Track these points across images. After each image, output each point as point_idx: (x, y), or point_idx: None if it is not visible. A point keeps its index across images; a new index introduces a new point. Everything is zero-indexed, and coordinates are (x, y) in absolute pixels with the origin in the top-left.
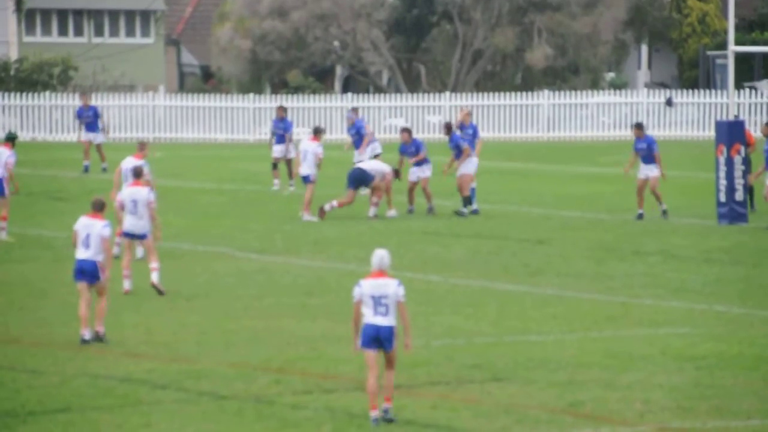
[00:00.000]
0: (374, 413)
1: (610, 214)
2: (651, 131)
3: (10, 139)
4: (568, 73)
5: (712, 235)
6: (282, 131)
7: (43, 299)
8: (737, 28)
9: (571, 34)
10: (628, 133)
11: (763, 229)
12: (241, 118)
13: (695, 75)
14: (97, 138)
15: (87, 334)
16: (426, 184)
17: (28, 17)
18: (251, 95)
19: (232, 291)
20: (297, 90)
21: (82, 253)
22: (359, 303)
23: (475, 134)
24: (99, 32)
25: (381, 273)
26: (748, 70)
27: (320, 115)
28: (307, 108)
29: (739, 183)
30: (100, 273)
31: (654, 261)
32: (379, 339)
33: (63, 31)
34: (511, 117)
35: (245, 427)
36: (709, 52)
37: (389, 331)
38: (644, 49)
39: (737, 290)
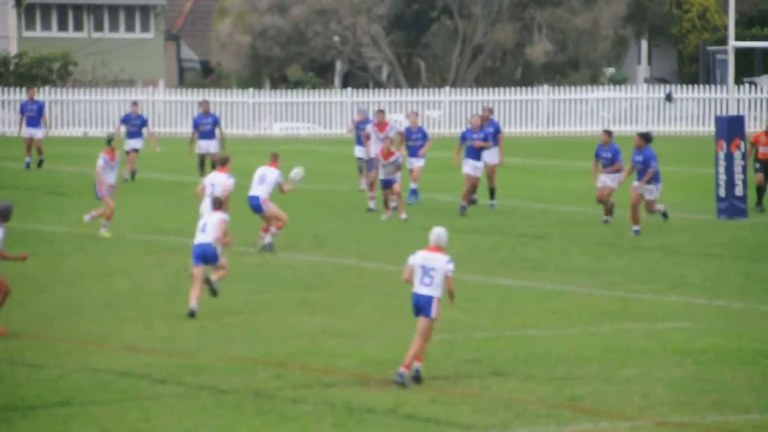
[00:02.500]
0: (401, 369)
1: None
2: (651, 126)
3: (109, 141)
4: (568, 68)
5: (711, 230)
6: (210, 127)
7: (43, 294)
8: (737, 24)
9: (571, 30)
10: (629, 128)
11: (763, 224)
12: (240, 113)
13: (695, 70)
14: (38, 134)
15: (194, 305)
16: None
17: (27, 12)
18: (251, 90)
19: (232, 285)
20: (297, 85)
21: (200, 238)
22: (411, 268)
23: (424, 137)
24: (99, 27)
25: (437, 248)
26: (748, 66)
27: (320, 110)
28: (307, 103)
29: (738, 178)
30: (218, 255)
31: (653, 256)
32: (419, 307)
33: (63, 26)
34: (511, 112)
35: (245, 422)
36: (709, 48)
37: (428, 300)
38: (644, 44)
39: (736, 285)
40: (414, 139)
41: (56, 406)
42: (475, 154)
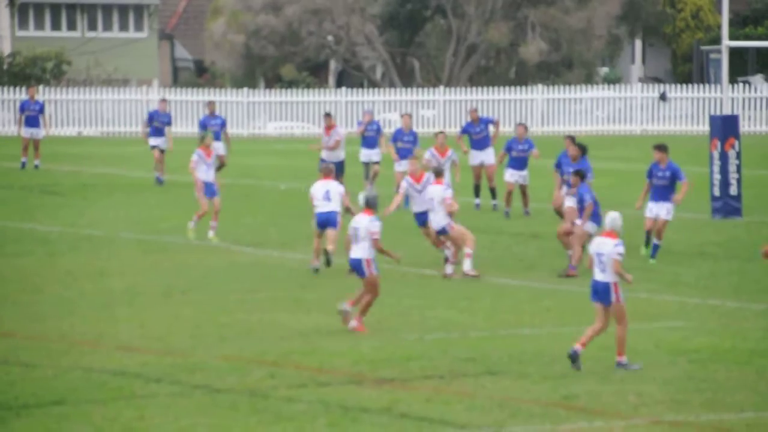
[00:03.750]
0: (576, 346)
1: (604, 208)
2: (645, 126)
3: (201, 139)
4: (561, 67)
5: (705, 229)
6: (218, 128)
7: (37, 293)
8: (731, 23)
9: (565, 29)
10: (623, 128)
11: (757, 223)
12: (234, 113)
13: (689, 69)
14: (39, 134)
15: (317, 263)
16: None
17: (21, 11)
18: (245, 90)
19: (227, 285)
20: (291, 84)
21: (324, 207)
22: (591, 255)
23: (416, 140)
24: (92, 26)
25: (610, 233)
26: (742, 65)
27: (314, 109)
28: (301, 102)
29: (733, 177)
30: (337, 221)
31: (648, 255)
32: (598, 293)
33: (56, 26)
34: (505, 111)
35: (239, 421)
36: (702, 47)
37: (605, 286)
38: (638, 43)
39: (731, 284)
40: (405, 141)
41: (51, 405)
42: (515, 163)
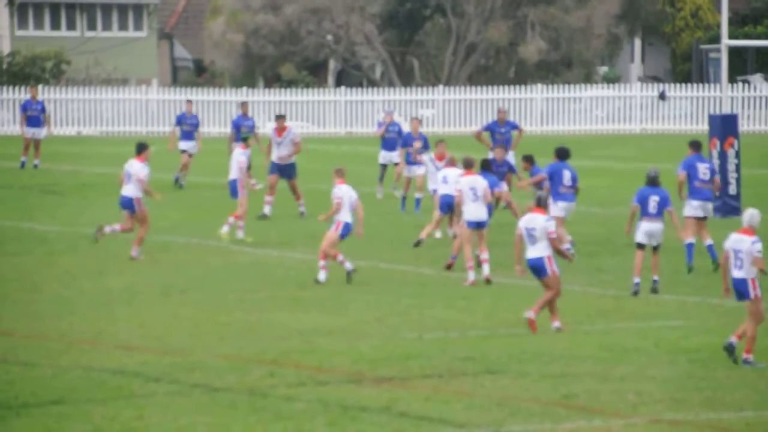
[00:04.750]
0: (745, 356)
1: (603, 207)
2: (644, 125)
3: (244, 139)
4: (561, 66)
5: None
6: (249, 129)
7: (36, 292)
8: (730, 22)
9: (565, 28)
10: (623, 127)
11: None
12: (234, 112)
13: (688, 69)
14: (41, 133)
15: (424, 236)
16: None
17: (20, 11)
18: (244, 89)
19: (226, 284)
20: (290, 84)
21: (445, 189)
22: (726, 252)
23: (426, 145)
24: (92, 26)
25: (747, 230)
26: (741, 64)
27: (313, 109)
28: (300, 102)
29: (732, 176)
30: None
31: (646, 254)
32: (738, 291)
33: (55, 25)
34: None
35: (238, 420)
36: (702, 46)
37: (740, 283)
38: (637, 42)
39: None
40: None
41: (50, 405)
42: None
